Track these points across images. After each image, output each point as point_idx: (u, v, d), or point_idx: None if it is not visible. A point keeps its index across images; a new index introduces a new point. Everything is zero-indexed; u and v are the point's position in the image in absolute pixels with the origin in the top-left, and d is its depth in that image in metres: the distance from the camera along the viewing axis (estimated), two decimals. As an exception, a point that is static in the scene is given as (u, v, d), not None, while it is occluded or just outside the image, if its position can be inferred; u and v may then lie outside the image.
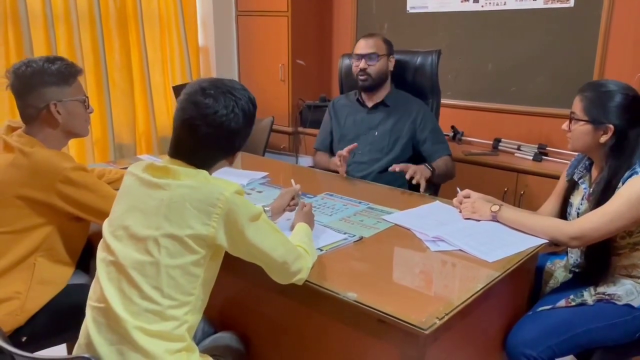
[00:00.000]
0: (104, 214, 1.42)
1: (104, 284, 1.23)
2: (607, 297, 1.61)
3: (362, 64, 2.38)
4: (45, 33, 3.04)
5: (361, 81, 2.42)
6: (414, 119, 2.39)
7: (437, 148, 2.38)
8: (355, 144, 2.29)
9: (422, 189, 2.08)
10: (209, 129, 1.25)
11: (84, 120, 1.74)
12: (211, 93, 1.25)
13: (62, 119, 1.66)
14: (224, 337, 1.57)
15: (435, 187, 2.48)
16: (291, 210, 1.74)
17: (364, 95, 2.50)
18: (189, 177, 1.24)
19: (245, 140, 1.35)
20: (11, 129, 1.69)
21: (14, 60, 2.92)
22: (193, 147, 1.28)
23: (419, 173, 2.08)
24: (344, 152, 2.25)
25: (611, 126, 1.59)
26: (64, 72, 1.65)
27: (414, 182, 2.08)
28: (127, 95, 3.52)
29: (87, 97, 1.75)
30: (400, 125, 2.40)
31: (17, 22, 2.90)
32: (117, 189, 1.39)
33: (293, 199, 1.74)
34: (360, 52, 2.39)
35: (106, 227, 1.32)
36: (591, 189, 1.69)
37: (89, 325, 1.24)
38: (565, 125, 1.71)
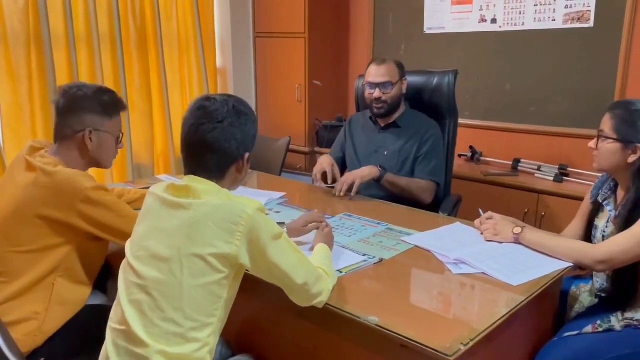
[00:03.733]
0: (123, 234, 1.41)
1: (125, 306, 1.22)
2: (635, 322, 1.57)
3: (376, 93, 2.35)
4: (67, 54, 3.09)
5: (376, 109, 2.40)
6: (421, 139, 2.38)
7: (421, 168, 2.36)
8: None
9: (353, 191, 2.22)
10: (214, 129, 1.27)
11: (112, 154, 1.78)
12: (214, 97, 1.32)
13: (93, 147, 1.69)
14: (242, 360, 1.54)
15: (454, 209, 2.45)
16: (309, 232, 1.72)
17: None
18: (210, 196, 1.24)
19: (251, 141, 1.35)
20: (34, 150, 1.71)
21: (37, 81, 2.97)
22: (203, 155, 1.28)
23: (352, 177, 2.22)
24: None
25: None
26: (109, 104, 1.71)
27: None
28: (146, 116, 3.55)
29: (123, 134, 1.79)
30: (409, 146, 2.39)
31: (40, 43, 2.95)
32: (137, 209, 1.39)
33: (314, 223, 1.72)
34: (374, 81, 2.35)
35: (128, 248, 1.31)
36: (617, 212, 1.65)
37: (109, 348, 1.23)
38: (592, 143, 1.68)
